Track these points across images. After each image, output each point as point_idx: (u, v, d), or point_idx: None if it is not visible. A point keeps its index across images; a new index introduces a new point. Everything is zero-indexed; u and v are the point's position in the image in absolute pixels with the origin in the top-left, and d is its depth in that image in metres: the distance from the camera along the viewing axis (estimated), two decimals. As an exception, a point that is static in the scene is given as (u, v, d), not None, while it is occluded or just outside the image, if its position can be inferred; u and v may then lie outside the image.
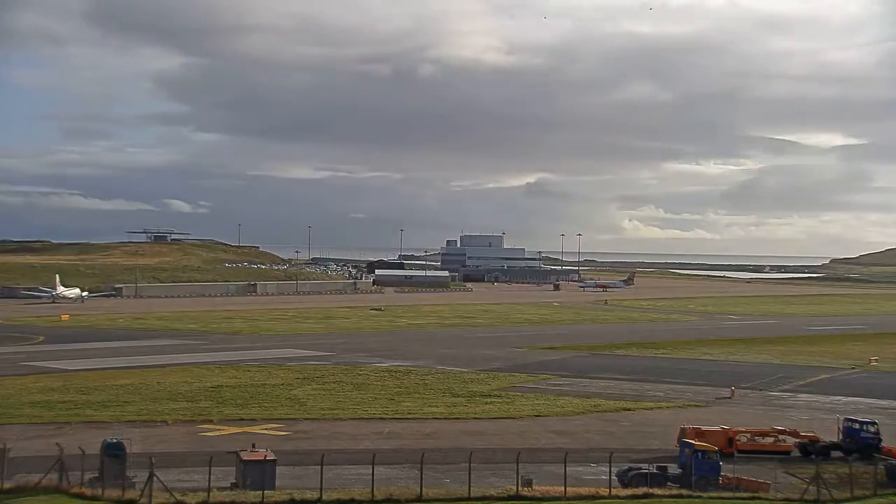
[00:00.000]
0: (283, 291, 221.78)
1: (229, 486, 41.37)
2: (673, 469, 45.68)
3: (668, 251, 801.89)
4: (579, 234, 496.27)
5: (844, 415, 59.98)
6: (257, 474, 40.55)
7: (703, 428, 52.90)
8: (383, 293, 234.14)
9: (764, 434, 55.24)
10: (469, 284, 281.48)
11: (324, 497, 39.28)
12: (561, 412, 66.37)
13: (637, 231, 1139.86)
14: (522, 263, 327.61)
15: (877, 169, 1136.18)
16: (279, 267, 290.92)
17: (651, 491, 42.81)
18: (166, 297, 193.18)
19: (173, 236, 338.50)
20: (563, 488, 41.88)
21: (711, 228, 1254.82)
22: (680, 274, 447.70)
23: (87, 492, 39.54)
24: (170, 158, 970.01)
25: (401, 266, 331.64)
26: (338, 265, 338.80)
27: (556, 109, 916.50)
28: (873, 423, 55.01)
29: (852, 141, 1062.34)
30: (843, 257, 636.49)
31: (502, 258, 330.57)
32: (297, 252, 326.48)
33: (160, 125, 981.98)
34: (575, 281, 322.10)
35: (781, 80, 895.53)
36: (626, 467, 45.15)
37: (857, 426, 54.83)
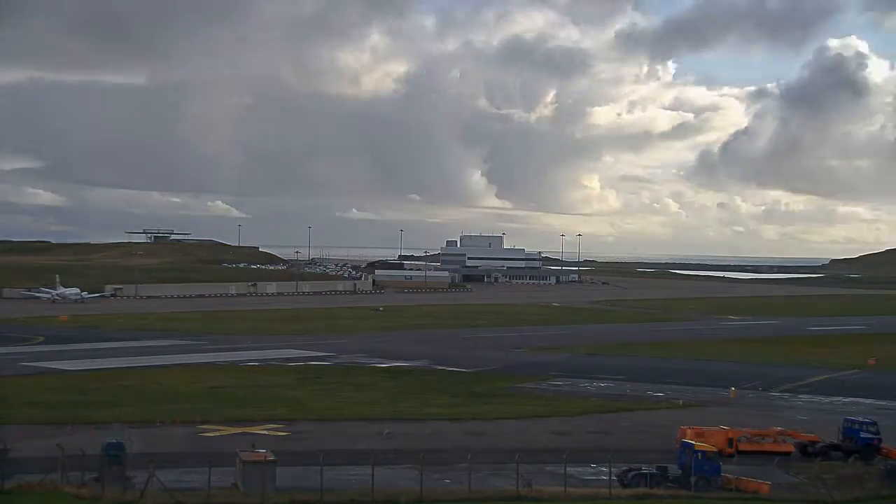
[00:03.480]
0: (283, 292, 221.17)
1: (229, 486, 41.37)
2: (673, 470, 45.67)
3: (669, 251, 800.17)
4: (579, 235, 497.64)
5: (844, 415, 59.96)
6: (257, 475, 40.50)
7: (704, 428, 52.85)
8: (383, 293, 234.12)
9: (764, 435, 55.26)
10: (469, 285, 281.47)
11: (324, 498, 39.25)
12: (561, 412, 66.34)
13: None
14: (522, 264, 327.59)
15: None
16: (279, 267, 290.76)
17: (651, 492, 42.82)
18: (166, 297, 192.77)
19: (173, 236, 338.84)
20: (563, 489, 41.90)
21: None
22: (680, 274, 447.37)
23: (87, 492, 39.46)
24: None
25: (401, 266, 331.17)
26: (337, 265, 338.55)
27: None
28: (873, 424, 54.98)
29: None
30: (843, 258, 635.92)
31: (502, 258, 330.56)
32: (296, 252, 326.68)
33: None
34: (574, 281, 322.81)
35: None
36: (626, 468, 45.13)
37: (856, 427, 54.81)
